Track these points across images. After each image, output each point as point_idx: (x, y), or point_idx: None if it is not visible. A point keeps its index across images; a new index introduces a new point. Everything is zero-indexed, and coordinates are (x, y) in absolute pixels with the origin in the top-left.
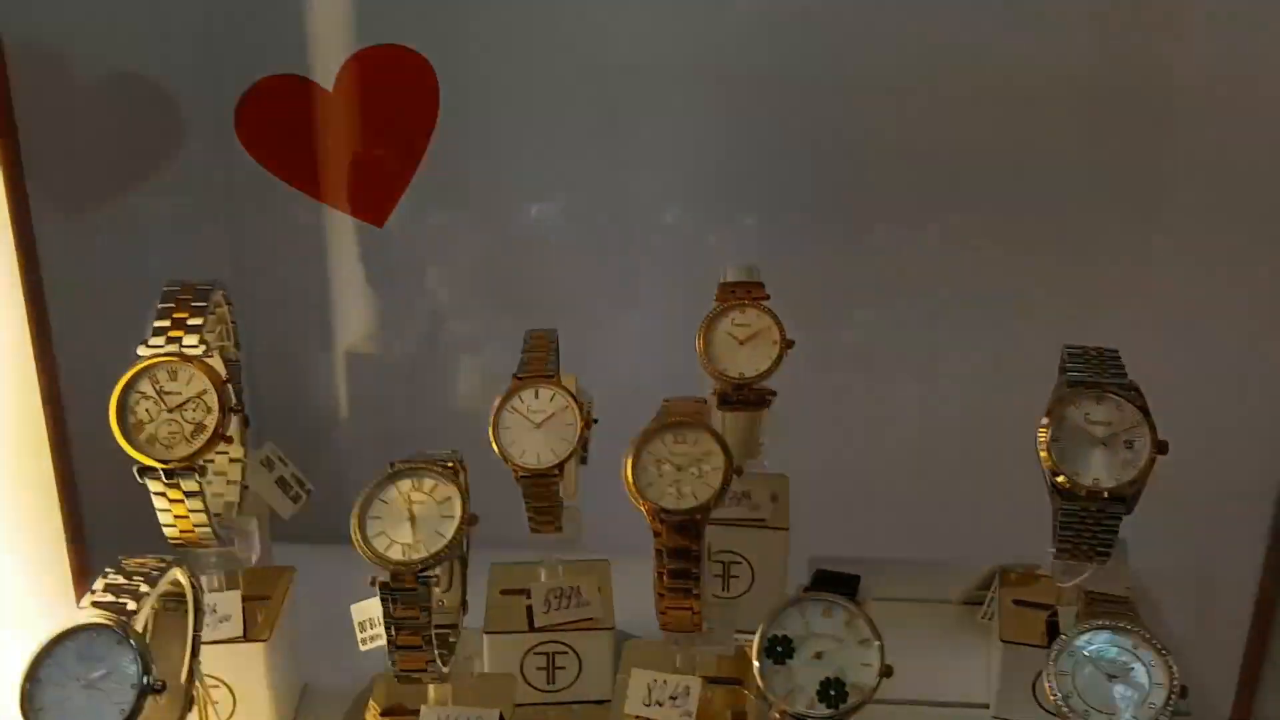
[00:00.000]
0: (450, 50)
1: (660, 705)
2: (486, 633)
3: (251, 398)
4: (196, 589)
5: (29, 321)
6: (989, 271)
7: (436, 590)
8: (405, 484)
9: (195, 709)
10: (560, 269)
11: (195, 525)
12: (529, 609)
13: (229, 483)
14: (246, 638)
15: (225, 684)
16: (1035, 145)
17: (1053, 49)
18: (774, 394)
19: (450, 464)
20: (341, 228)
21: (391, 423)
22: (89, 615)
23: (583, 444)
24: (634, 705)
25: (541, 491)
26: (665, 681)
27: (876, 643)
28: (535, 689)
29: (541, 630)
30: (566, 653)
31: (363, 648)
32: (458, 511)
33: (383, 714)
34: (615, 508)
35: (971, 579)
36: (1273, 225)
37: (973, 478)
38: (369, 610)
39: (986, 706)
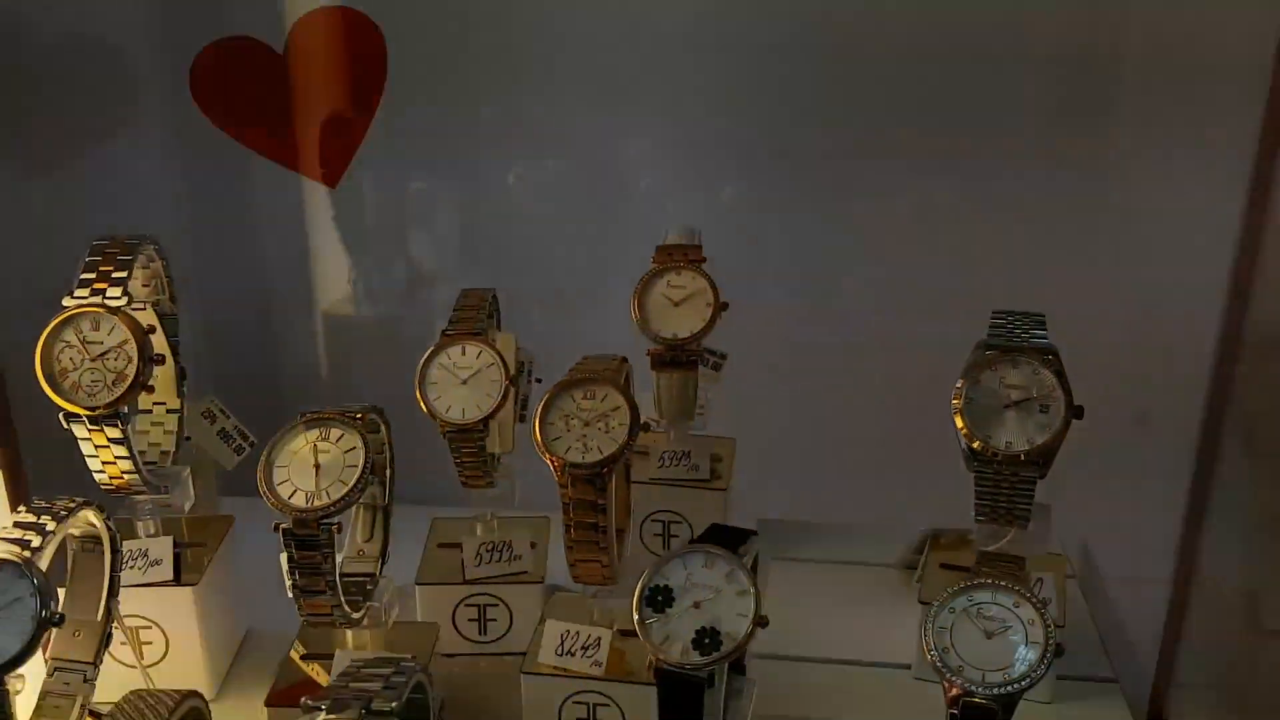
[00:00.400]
0: (417, 12)
1: (572, 655)
2: (419, 584)
3: (226, 359)
4: (112, 531)
5: None
6: (960, 239)
7: (358, 539)
8: (312, 433)
9: (115, 646)
10: (539, 233)
11: (124, 472)
12: (462, 563)
13: (165, 432)
14: (177, 581)
15: (158, 626)
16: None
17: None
18: (723, 356)
19: (359, 415)
20: (314, 190)
21: (373, 385)
22: None
23: (521, 401)
24: (547, 655)
25: (467, 447)
26: (578, 633)
27: (753, 593)
28: (467, 640)
29: (472, 583)
30: (497, 605)
31: (290, 595)
32: (361, 461)
33: (303, 657)
34: None
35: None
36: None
37: (930, 444)
38: None
39: (909, 667)
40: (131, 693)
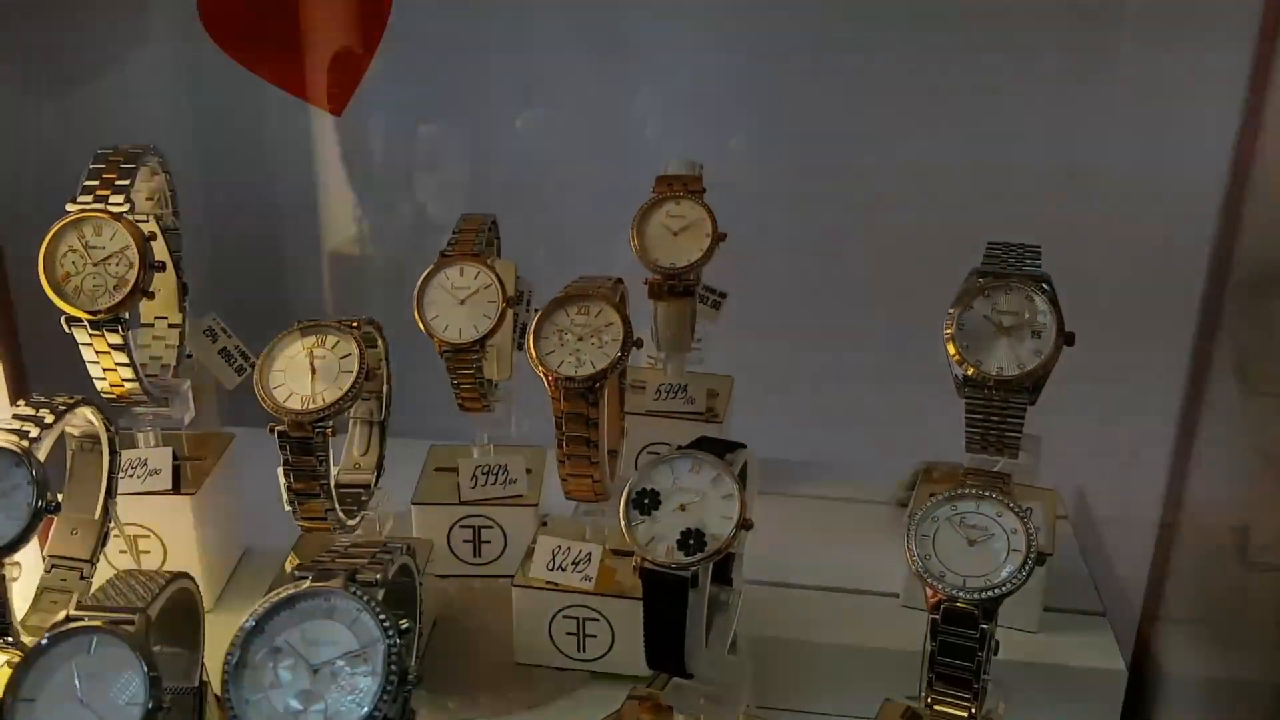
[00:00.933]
0: None
1: (563, 570)
2: (414, 504)
3: (231, 286)
4: (111, 431)
5: None
6: (955, 173)
7: (355, 453)
8: (310, 339)
9: (117, 544)
10: (543, 174)
11: (124, 379)
12: (458, 485)
13: (166, 346)
14: (176, 491)
15: (156, 534)
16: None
17: None
18: (722, 295)
19: (356, 325)
20: (320, 125)
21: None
22: None
23: (519, 329)
24: (538, 570)
25: (464, 368)
26: (569, 548)
27: (738, 497)
28: (462, 561)
29: (467, 504)
30: (492, 527)
31: (286, 508)
32: (356, 367)
33: (297, 568)
34: None
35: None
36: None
37: (926, 386)
38: None
39: (898, 596)
40: (123, 570)
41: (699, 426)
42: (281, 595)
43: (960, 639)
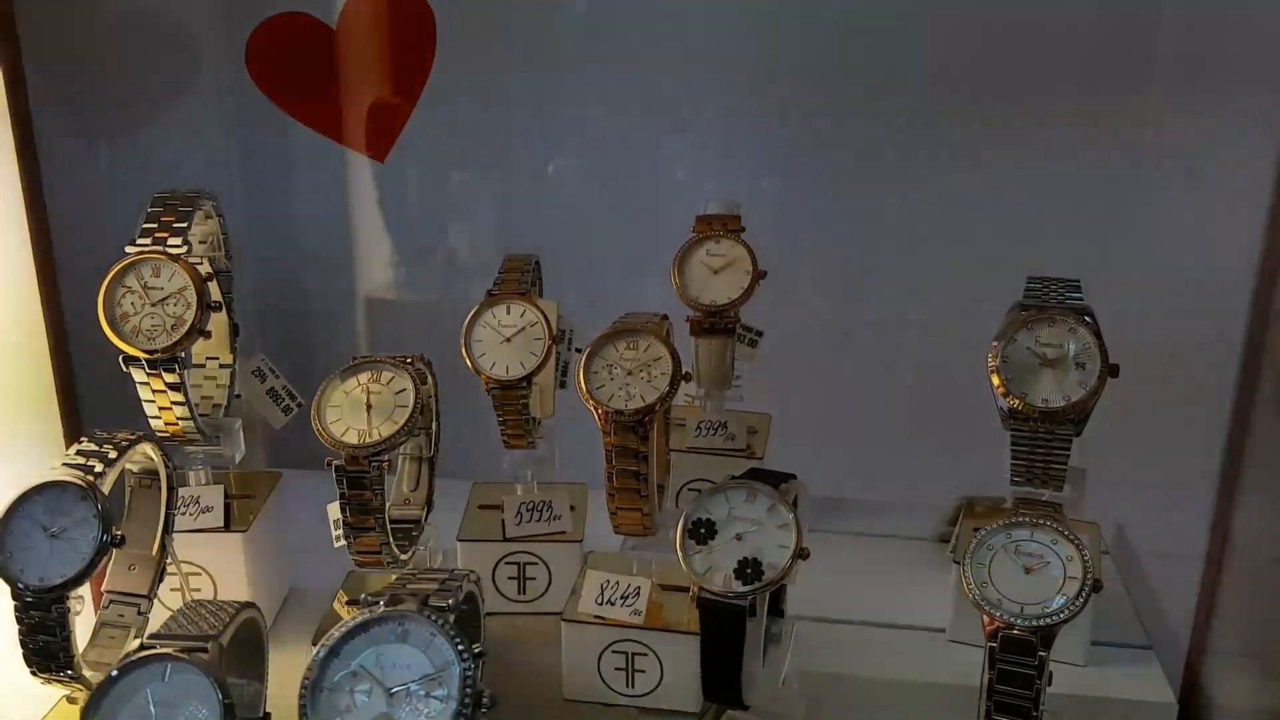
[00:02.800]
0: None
1: (612, 604)
2: (460, 540)
3: (276, 341)
4: (169, 467)
5: (34, 254)
6: (993, 217)
7: (404, 489)
8: (364, 375)
9: (171, 582)
10: (578, 220)
11: (179, 418)
12: (503, 522)
13: (218, 386)
14: (227, 528)
15: (207, 572)
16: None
17: None
18: (759, 333)
19: (409, 360)
20: (359, 172)
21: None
22: (58, 473)
23: (562, 368)
24: (587, 604)
25: (510, 404)
26: (618, 582)
27: (794, 526)
28: (506, 598)
29: (512, 540)
30: (536, 564)
31: (336, 544)
32: (412, 401)
33: (347, 602)
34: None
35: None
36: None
37: (963, 423)
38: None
39: (943, 631)
40: (192, 601)
41: (739, 463)
42: (356, 620)
43: (1019, 667)
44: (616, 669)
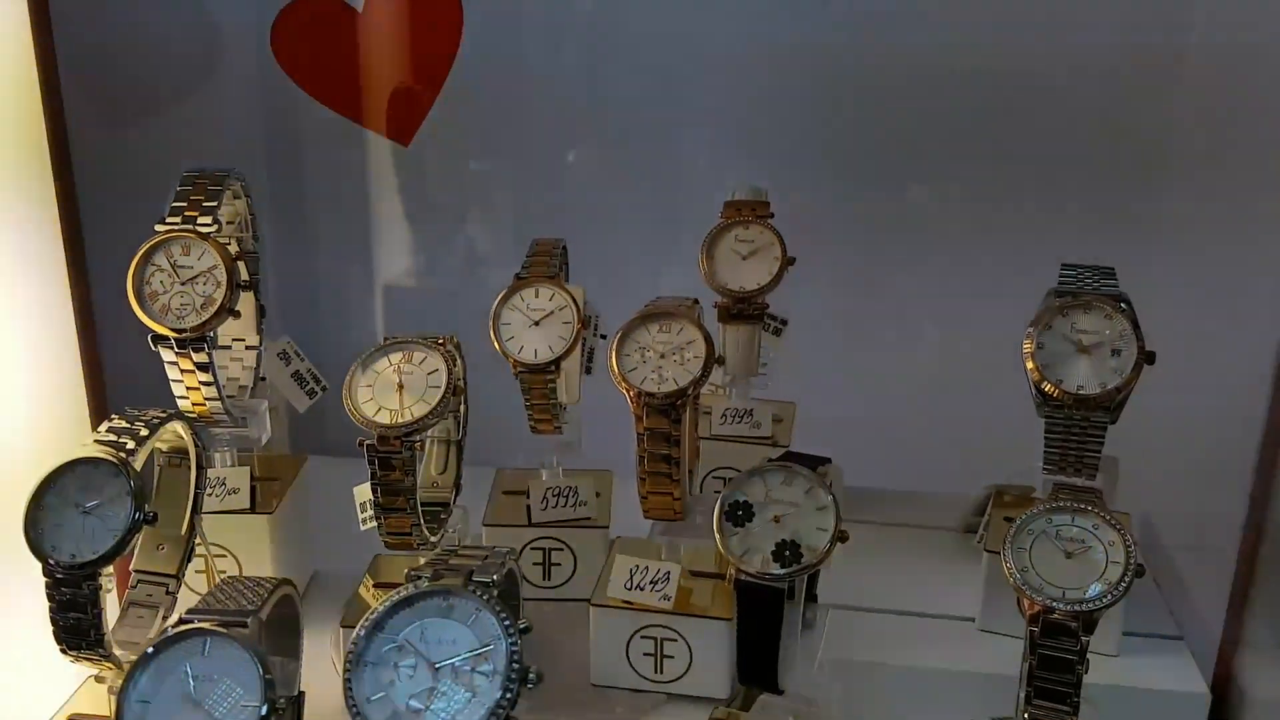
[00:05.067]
0: None
1: (641, 589)
2: (486, 525)
3: (296, 326)
4: (199, 446)
5: (62, 233)
6: (1016, 226)
7: (433, 472)
8: (396, 355)
9: (195, 564)
10: (599, 211)
11: (206, 399)
12: (528, 508)
13: (244, 368)
14: (253, 509)
15: (232, 554)
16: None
17: None
18: (784, 321)
19: (440, 340)
20: (381, 161)
21: None
22: (91, 450)
23: (587, 354)
24: (616, 589)
25: (538, 388)
26: (647, 567)
27: (833, 510)
28: (532, 584)
29: (538, 525)
30: (562, 549)
31: (363, 527)
32: (444, 382)
33: (375, 585)
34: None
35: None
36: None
37: (990, 412)
38: (368, 492)
39: (973, 620)
40: (228, 577)
41: (764, 451)
42: (401, 595)
43: (1060, 651)
44: (645, 654)
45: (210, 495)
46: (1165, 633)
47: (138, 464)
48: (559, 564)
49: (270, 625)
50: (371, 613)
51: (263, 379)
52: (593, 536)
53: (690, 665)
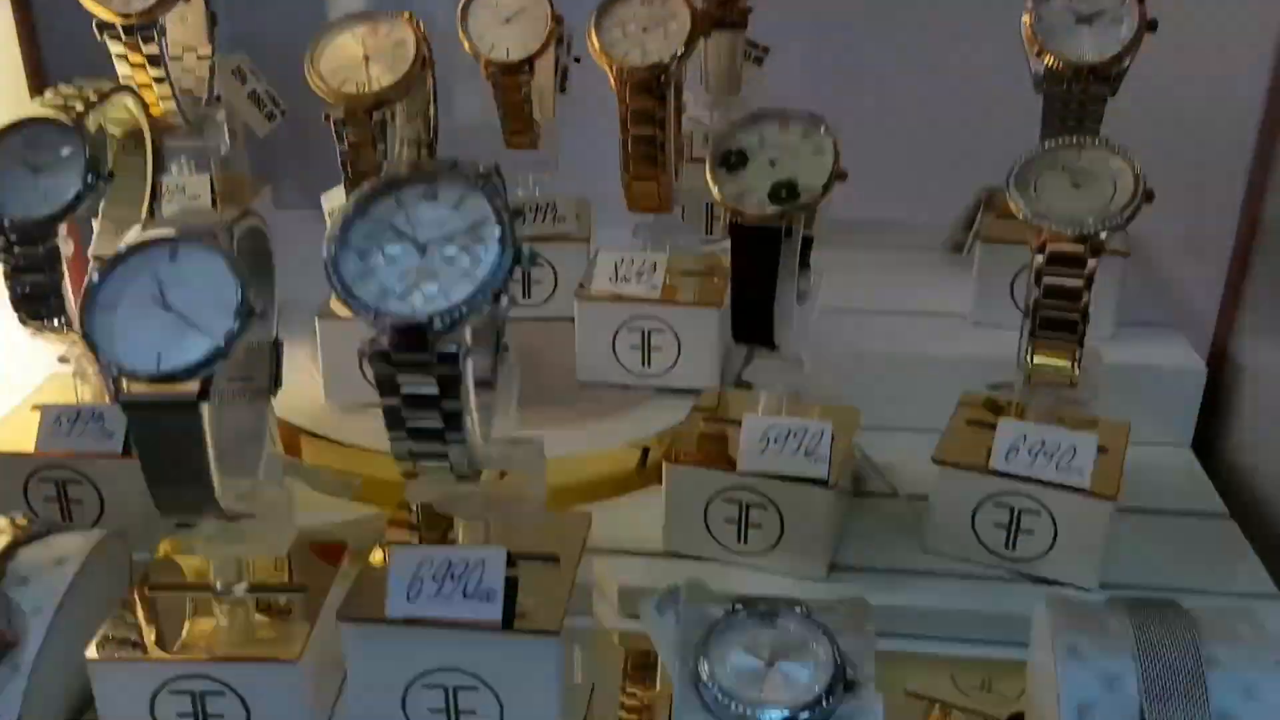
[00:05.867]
0: None
1: (628, 281)
2: None
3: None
4: (154, 129)
5: None
6: None
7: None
8: (360, 28)
9: None
10: None
11: (160, 98)
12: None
13: (196, 78)
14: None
15: None
16: None
17: None
18: (765, 50)
19: (408, 16)
20: None
21: None
22: (36, 110)
23: (561, 73)
24: (601, 282)
25: (511, 94)
26: (632, 259)
27: (832, 150)
28: (511, 301)
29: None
30: (542, 266)
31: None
32: (413, 54)
33: None
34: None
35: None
36: None
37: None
38: (335, 198)
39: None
40: (190, 207)
41: None
42: (381, 181)
43: (1068, 278)
44: (632, 347)
45: (170, 203)
46: (1160, 322)
47: (90, 127)
48: (539, 281)
49: (242, 251)
50: (351, 199)
51: (217, 98)
52: (574, 251)
53: (679, 357)
